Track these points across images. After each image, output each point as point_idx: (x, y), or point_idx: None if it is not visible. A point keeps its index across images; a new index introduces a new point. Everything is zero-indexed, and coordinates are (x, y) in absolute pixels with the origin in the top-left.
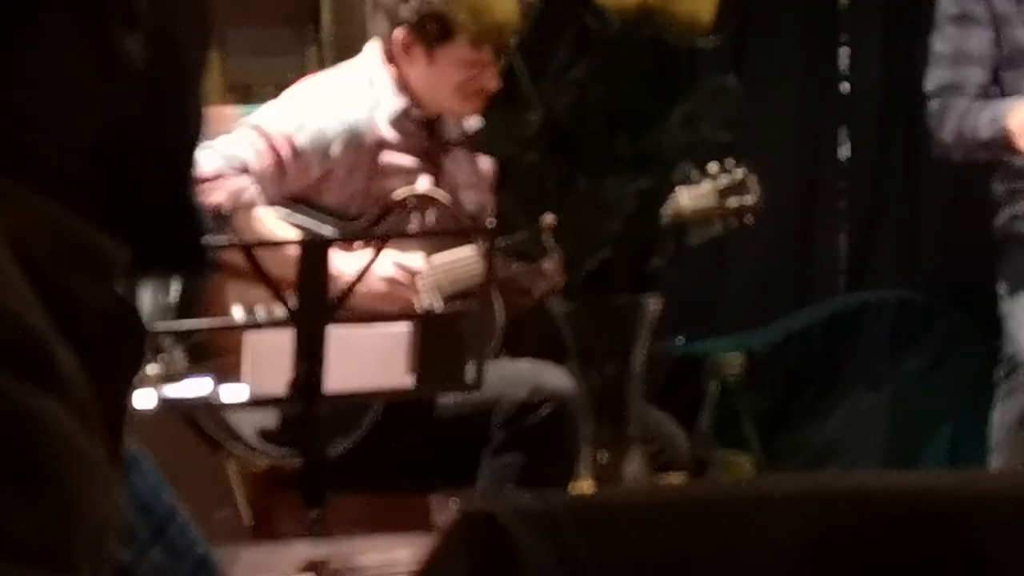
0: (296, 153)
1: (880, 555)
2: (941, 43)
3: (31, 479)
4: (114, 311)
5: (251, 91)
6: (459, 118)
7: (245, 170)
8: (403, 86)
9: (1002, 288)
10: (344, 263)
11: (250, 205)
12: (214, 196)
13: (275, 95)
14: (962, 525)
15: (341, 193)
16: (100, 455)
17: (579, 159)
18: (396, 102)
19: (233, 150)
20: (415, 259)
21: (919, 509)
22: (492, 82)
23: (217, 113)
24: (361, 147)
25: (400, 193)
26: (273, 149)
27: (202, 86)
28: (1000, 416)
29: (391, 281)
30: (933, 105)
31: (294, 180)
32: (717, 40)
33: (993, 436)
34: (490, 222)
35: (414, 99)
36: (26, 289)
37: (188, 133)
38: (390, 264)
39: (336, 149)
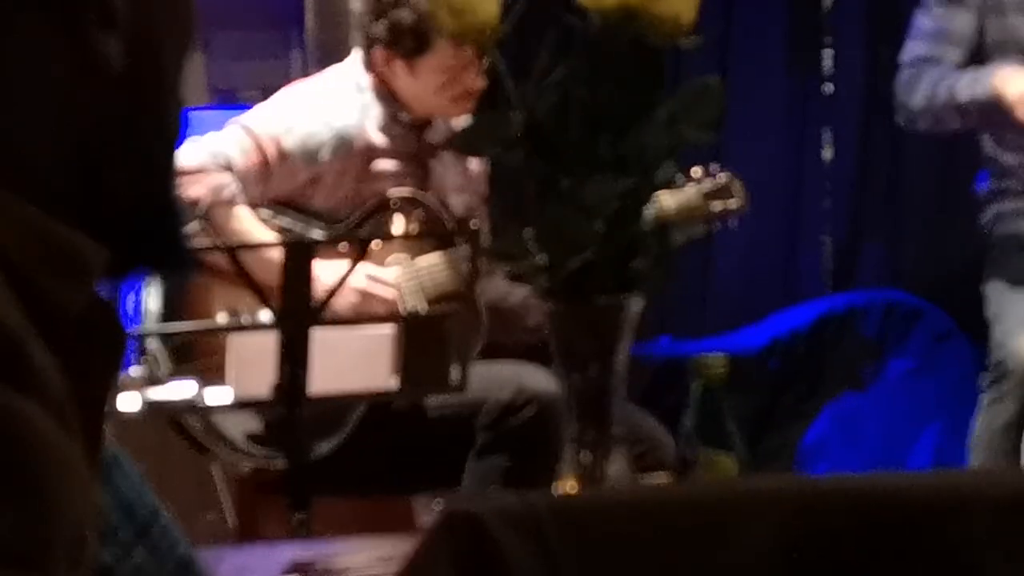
0: (283, 155)
1: (862, 555)
2: (924, 19)
3: (7, 480)
4: (93, 313)
5: (235, 95)
6: (449, 120)
7: (228, 167)
8: (389, 93)
9: (988, 290)
10: (321, 270)
11: (229, 202)
12: (194, 189)
13: (259, 99)
14: (944, 525)
15: (330, 197)
16: (78, 457)
17: (561, 160)
18: (383, 107)
19: (219, 147)
20: (390, 272)
21: (901, 509)
22: (477, 82)
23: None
24: (350, 152)
25: (387, 195)
26: (259, 149)
27: (181, 87)
28: (986, 421)
29: (363, 293)
30: (904, 75)
31: (280, 182)
32: (699, 40)
33: (974, 441)
34: (474, 223)
35: (401, 105)
36: (3, 290)
37: (167, 134)
38: (362, 276)
39: (325, 154)
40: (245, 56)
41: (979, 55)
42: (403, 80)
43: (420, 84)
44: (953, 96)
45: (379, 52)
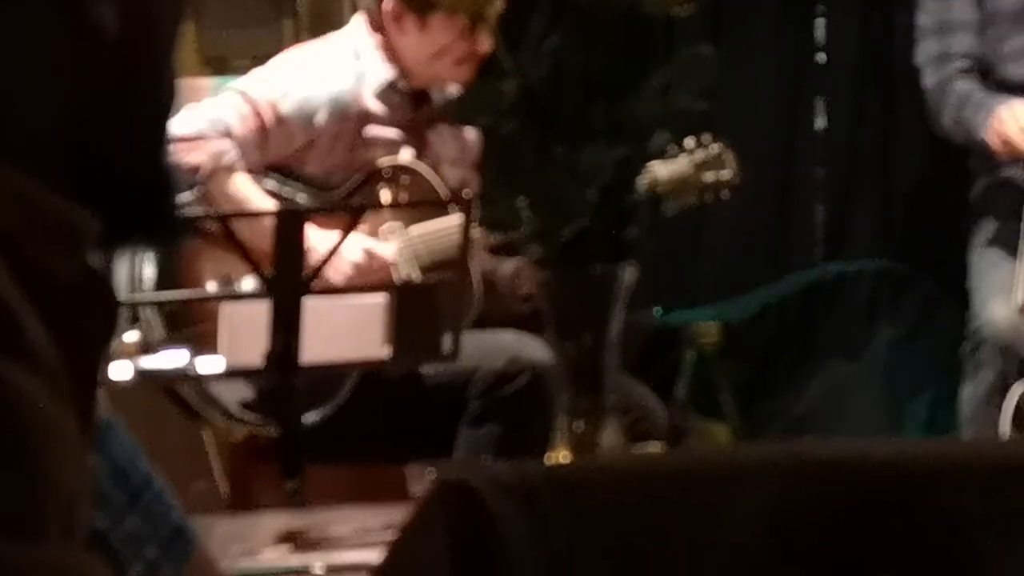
0: (280, 119)
1: (852, 531)
2: (924, 16)
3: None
4: (85, 283)
5: (227, 63)
6: (451, 85)
7: (227, 133)
8: (391, 57)
9: (971, 259)
10: (317, 238)
11: (229, 168)
12: (194, 156)
13: (251, 67)
14: (937, 493)
15: (324, 163)
16: (71, 426)
17: (555, 128)
18: (382, 74)
19: (217, 113)
20: (387, 247)
21: (893, 477)
22: (483, 45)
23: (192, 84)
24: (345, 117)
25: (380, 163)
26: (257, 114)
27: (175, 56)
28: (969, 391)
29: (357, 267)
30: (928, 80)
31: (277, 147)
32: (692, 9)
33: (962, 411)
34: (467, 192)
35: (402, 70)
36: None
37: (161, 104)
38: (359, 249)
39: (321, 118)
40: (237, 24)
41: (983, 24)
42: (411, 37)
43: (428, 42)
44: (974, 133)
45: (393, 5)
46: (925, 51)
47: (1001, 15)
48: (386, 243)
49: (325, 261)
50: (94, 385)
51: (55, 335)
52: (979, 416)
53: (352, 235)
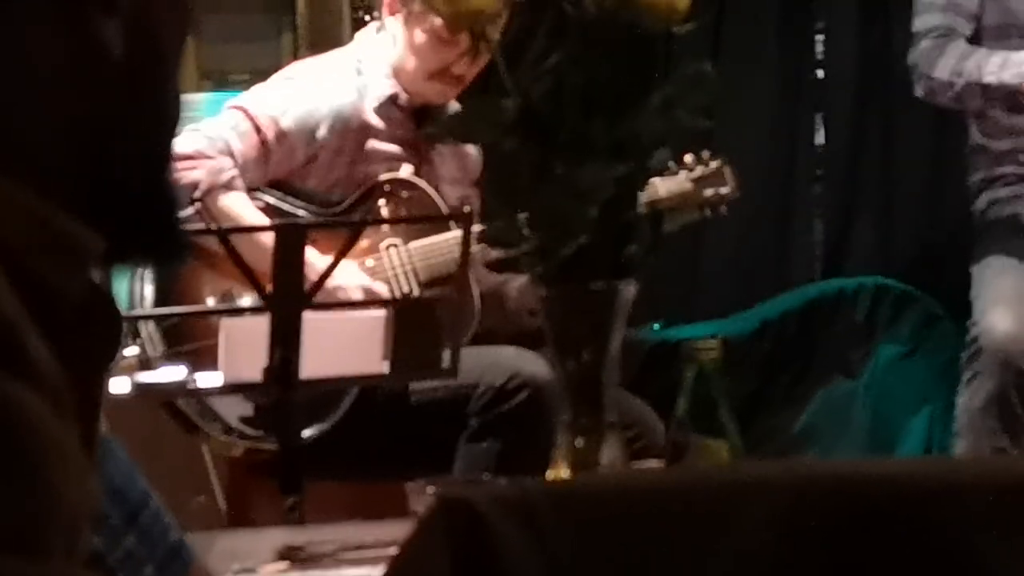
0: (281, 135)
1: (856, 542)
2: None
3: (3, 468)
4: (89, 299)
5: (226, 78)
6: (439, 103)
7: (228, 151)
8: (392, 72)
9: (974, 271)
10: (317, 259)
11: (227, 186)
12: (192, 174)
13: (250, 81)
14: (939, 512)
15: (325, 178)
16: (74, 443)
17: (556, 146)
18: (383, 88)
19: (217, 131)
20: (383, 287)
21: (895, 497)
22: (461, 67)
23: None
24: (347, 131)
25: (381, 178)
26: (258, 130)
27: (179, 75)
28: (966, 401)
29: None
30: (924, 44)
31: (279, 163)
32: (693, 27)
33: (958, 421)
34: (466, 208)
35: (401, 84)
36: None
37: (165, 121)
38: (359, 289)
39: (322, 132)
40: (236, 39)
41: (983, 37)
42: (401, 35)
43: (408, 41)
44: (980, 76)
45: None
46: (929, 21)
47: (1018, 27)
48: (384, 285)
49: (325, 276)
50: (97, 402)
51: (59, 352)
52: (975, 427)
53: (352, 273)
